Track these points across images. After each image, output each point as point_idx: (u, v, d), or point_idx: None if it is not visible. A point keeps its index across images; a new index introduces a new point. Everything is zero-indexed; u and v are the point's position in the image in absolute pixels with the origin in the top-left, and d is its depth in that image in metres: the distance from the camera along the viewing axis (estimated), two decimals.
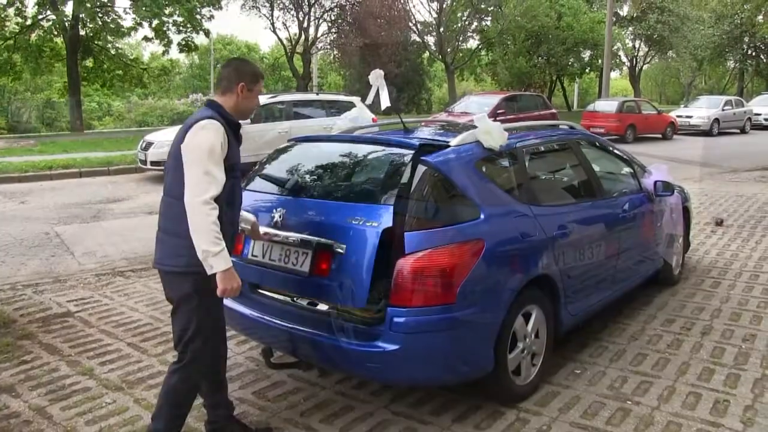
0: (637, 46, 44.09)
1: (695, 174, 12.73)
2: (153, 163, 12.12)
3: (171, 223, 2.73)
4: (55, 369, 3.95)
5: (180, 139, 2.67)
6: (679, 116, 24.33)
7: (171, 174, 2.73)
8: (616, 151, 5.09)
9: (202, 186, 2.53)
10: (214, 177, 2.56)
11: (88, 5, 22.58)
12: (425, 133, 3.91)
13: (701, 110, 24.85)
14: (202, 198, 2.52)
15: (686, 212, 5.70)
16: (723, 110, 24.89)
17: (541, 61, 36.42)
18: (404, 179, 3.13)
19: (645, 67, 50.13)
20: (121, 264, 6.37)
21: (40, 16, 23.45)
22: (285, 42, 31.52)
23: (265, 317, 3.43)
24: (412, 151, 3.24)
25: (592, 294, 4.13)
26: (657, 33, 38.35)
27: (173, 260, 2.73)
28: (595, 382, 3.74)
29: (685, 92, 51.41)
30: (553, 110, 19.52)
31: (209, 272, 2.58)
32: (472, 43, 38.53)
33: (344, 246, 3.05)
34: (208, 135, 2.58)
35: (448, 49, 34.57)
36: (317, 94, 16.20)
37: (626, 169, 5.08)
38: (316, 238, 3.17)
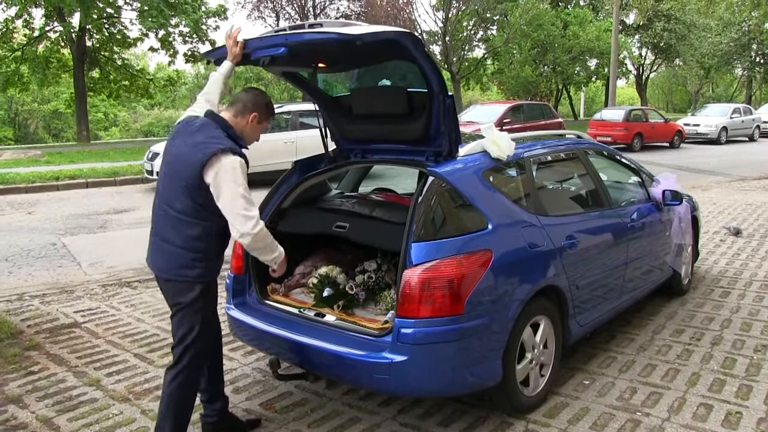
0: (643, 54, 44.12)
1: (703, 183, 12.70)
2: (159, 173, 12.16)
3: (177, 237, 2.84)
4: (62, 380, 3.96)
5: (195, 159, 2.71)
6: (686, 124, 24.30)
7: (176, 188, 2.80)
8: (623, 160, 5.09)
9: (248, 218, 2.72)
10: (252, 203, 2.75)
11: (95, 16, 22.80)
12: None
13: (709, 118, 24.81)
14: (255, 230, 2.74)
15: (695, 221, 5.69)
16: (731, 118, 24.85)
17: (547, 70, 36.47)
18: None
19: (652, 75, 50.16)
20: (127, 274, 6.39)
21: (47, 28, 23.73)
22: None
23: (272, 328, 3.44)
24: None
25: (601, 304, 4.12)
26: (664, 41, 38.39)
27: (184, 271, 2.85)
28: (604, 393, 3.73)
29: (692, 100, 51.36)
30: (560, 119, 19.51)
31: (273, 266, 2.96)
32: (478, 52, 38.63)
33: None
34: (237, 170, 2.71)
35: (454, 59, 34.65)
36: None
37: (634, 179, 5.08)
38: None
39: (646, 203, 4.85)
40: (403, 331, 2.95)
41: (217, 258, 2.96)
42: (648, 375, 3.96)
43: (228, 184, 2.69)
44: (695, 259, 5.93)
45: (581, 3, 39.49)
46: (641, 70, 45.65)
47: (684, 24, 37.41)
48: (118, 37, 24.89)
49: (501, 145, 3.54)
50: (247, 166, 2.83)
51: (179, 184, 2.78)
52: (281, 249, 2.95)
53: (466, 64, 37.12)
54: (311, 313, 3.52)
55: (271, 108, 3.05)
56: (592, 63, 38.33)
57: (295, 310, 3.58)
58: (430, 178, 3.20)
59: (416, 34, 3.58)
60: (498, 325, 3.14)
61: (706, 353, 4.28)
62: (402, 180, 7.80)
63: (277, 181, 3.97)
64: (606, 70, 34.79)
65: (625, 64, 43.08)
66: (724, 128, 24.22)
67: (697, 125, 24.41)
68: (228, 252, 3.16)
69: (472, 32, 36.39)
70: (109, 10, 23.48)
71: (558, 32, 34.49)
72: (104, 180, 13.35)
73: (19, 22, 23.18)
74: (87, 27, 23.28)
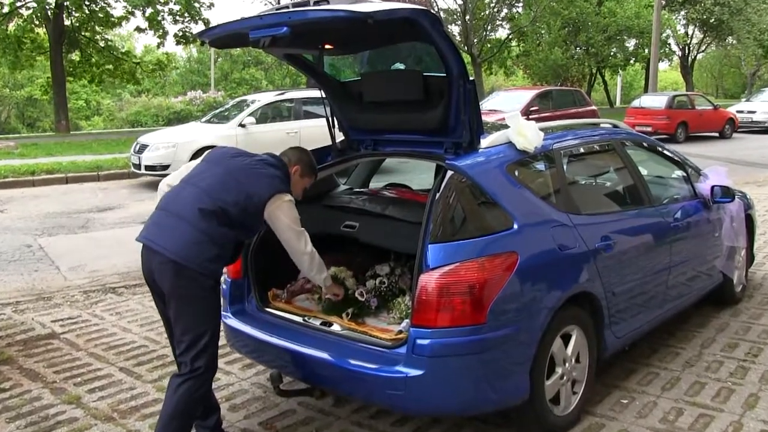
0: (690, 32, 43.77)
1: (759, 177, 12.59)
2: (148, 167, 12.28)
3: (212, 228, 3.02)
4: (38, 398, 3.98)
5: (267, 189, 3.14)
6: (739, 111, 24.09)
7: (236, 192, 3.08)
8: (666, 152, 5.08)
9: (301, 242, 3.26)
10: (304, 233, 3.27)
11: None
12: None
13: (767, 104, 24.54)
14: (307, 250, 3.28)
15: (749, 221, 5.65)
16: None
17: (579, 51, 36.35)
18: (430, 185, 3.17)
19: (699, 56, 49.78)
20: (112, 279, 6.44)
21: (18, 3, 23.67)
22: None
23: (273, 338, 3.48)
24: None
25: (640, 313, 4.12)
26: (714, 17, 37.98)
27: (205, 263, 2.99)
28: (645, 414, 3.72)
29: (747, 84, 50.83)
30: (593, 107, 19.47)
31: (325, 286, 3.52)
32: (502, 32, 38.57)
33: None
34: (292, 209, 3.23)
35: (475, 40, 34.60)
36: None
37: (678, 173, 5.07)
38: None
39: (692, 200, 4.84)
40: (419, 342, 2.97)
41: (226, 263, 3.22)
42: (696, 394, 3.95)
43: (286, 215, 3.20)
44: (750, 264, 5.89)
45: None
46: (687, 51, 45.30)
47: None
48: (101, 15, 24.99)
49: (528, 135, 3.55)
50: None
51: (242, 191, 3.09)
52: (327, 274, 3.44)
53: (489, 45, 37.05)
54: (317, 322, 3.55)
55: (314, 167, 3.52)
56: (631, 43, 38.13)
57: (299, 319, 3.62)
58: (449, 173, 3.22)
59: (433, 11, 3.63)
60: (524, 335, 3.15)
61: (766, 371, 4.24)
62: (417, 175, 7.81)
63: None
64: (646, 51, 34.60)
65: (669, 45, 42.83)
66: None
67: (753, 112, 24.19)
68: None
69: (495, 10, 36.32)
70: None
71: (592, 9, 34.34)
72: (86, 175, 13.46)
73: None
74: (65, 3, 23.37)
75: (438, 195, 3.15)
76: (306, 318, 3.61)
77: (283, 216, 3.17)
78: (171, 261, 2.96)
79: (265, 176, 3.17)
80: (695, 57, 47.36)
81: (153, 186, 12.06)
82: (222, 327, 3.76)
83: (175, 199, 3.13)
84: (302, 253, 3.27)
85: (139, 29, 26.77)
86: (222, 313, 3.80)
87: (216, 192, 3.07)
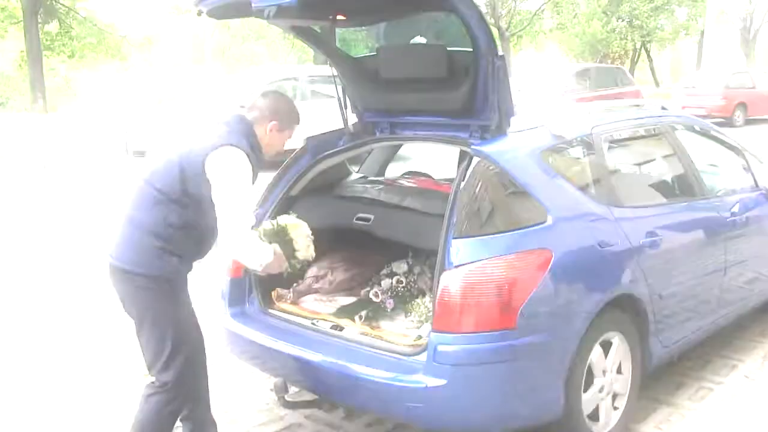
0: None
1: None
2: (137, 153, 12.36)
3: (154, 220, 2.96)
4: None
5: (201, 149, 2.93)
6: None
7: (170, 173, 2.96)
8: (722, 138, 5.05)
9: (240, 218, 2.91)
10: (249, 215, 2.99)
11: None
12: None
13: None
14: (242, 230, 2.91)
15: None
16: None
17: (621, 24, 36.12)
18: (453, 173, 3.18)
19: (764, 27, 49.13)
20: None
21: None
22: None
23: (278, 344, 3.51)
24: None
25: (691, 320, 4.12)
26: None
27: (147, 263, 2.95)
28: None
29: None
30: (637, 87, 19.40)
31: (262, 271, 3.10)
32: (533, 2, 38.37)
33: None
34: (241, 166, 2.95)
35: (503, 11, 34.50)
36: None
37: (736, 161, 5.05)
38: None
39: (753, 192, 4.81)
40: (441, 348, 2.99)
41: (186, 258, 3.08)
42: None
43: (228, 178, 2.90)
44: None
45: None
46: (749, 22, 44.66)
47: None
48: None
49: (564, 118, 3.55)
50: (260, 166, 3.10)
51: (182, 162, 2.96)
52: (268, 251, 3.02)
53: (519, 18, 36.91)
54: (326, 326, 3.58)
55: (295, 115, 3.27)
56: (681, 13, 37.81)
57: (307, 322, 3.64)
58: (475, 160, 3.24)
59: None
60: (559, 343, 3.17)
61: None
62: (439, 162, 7.81)
63: (285, 164, 4.02)
64: (699, 22, 34.32)
65: (726, 14, 42.36)
66: None
67: None
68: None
69: None
70: None
71: None
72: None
73: None
74: None
75: (463, 184, 3.17)
76: (314, 321, 3.63)
77: (220, 169, 2.89)
78: (118, 268, 2.99)
79: (208, 134, 2.99)
80: (758, 28, 46.71)
81: None
82: (220, 330, 3.82)
83: (127, 198, 3.10)
84: (234, 235, 2.90)
85: None
86: (220, 315, 3.85)
87: (159, 176, 3.00)
